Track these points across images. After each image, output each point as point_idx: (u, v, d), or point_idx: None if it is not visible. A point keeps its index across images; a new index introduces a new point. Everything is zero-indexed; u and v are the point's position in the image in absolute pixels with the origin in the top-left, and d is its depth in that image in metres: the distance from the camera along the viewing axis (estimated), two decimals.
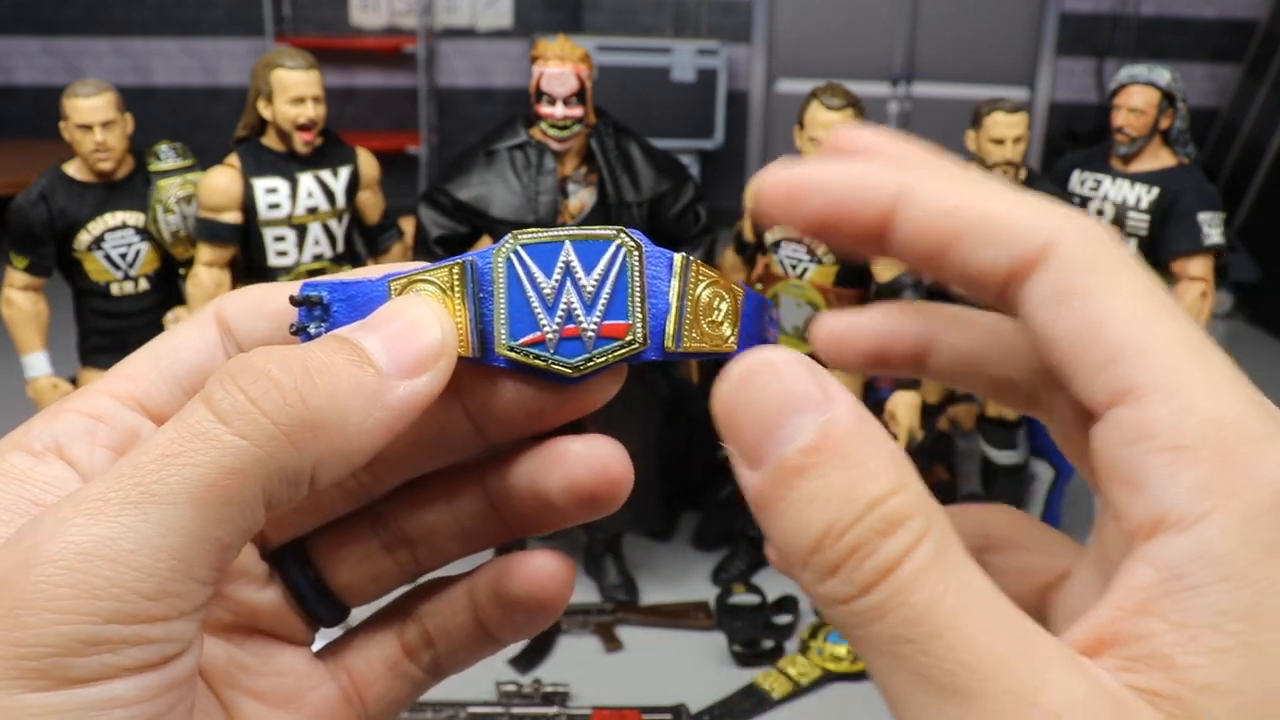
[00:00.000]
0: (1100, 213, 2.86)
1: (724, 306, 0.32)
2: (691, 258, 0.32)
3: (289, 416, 0.27)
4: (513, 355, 0.31)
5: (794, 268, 2.79)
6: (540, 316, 0.31)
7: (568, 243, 0.31)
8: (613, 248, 0.31)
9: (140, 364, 0.32)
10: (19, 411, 3.07)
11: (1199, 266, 2.75)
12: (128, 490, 0.25)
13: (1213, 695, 0.22)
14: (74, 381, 2.79)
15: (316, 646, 0.36)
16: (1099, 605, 0.24)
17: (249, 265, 2.72)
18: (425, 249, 2.72)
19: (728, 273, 3.17)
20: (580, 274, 0.31)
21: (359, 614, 0.37)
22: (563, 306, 0.31)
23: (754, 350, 0.27)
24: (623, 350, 0.31)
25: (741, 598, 2.84)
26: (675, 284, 0.31)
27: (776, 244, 2.81)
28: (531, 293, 0.31)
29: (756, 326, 0.33)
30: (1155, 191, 2.79)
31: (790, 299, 2.80)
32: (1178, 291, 2.78)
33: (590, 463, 0.32)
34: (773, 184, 0.30)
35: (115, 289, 2.73)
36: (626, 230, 0.32)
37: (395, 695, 0.35)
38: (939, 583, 0.23)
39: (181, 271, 2.78)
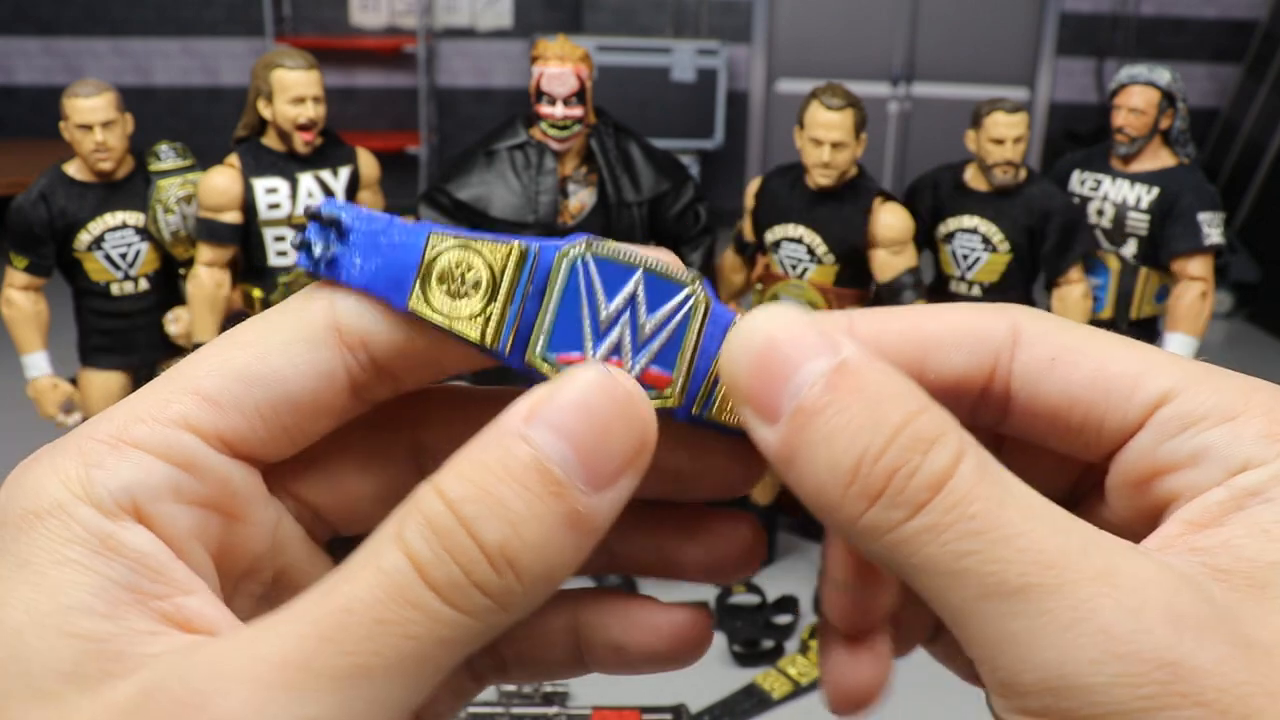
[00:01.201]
0: (1100, 213, 2.87)
1: None
2: None
3: (502, 589, 0.24)
4: (543, 368, 0.28)
5: (794, 267, 2.79)
6: (587, 339, 0.29)
7: (641, 272, 0.29)
8: (682, 295, 0.29)
9: (225, 384, 0.27)
10: (19, 412, 3.07)
11: (1199, 266, 2.75)
12: (337, 662, 0.23)
13: None
14: (74, 381, 2.79)
15: None
16: (1165, 524, 0.26)
17: (249, 265, 2.72)
18: None
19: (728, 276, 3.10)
20: (642, 311, 0.29)
21: None
22: (613, 337, 0.29)
23: (757, 310, 0.26)
24: (656, 402, 0.29)
25: (741, 598, 2.84)
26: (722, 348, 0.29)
27: (777, 244, 2.81)
28: (586, 311, 0.28)
29: None
30: (1155, 191, 2.79)
31: (790, 299, 2.80)
32: (1177, 292, 2.78)
33: (743, 534, 0.32)
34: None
35: (115, 289, 2.73)
36: (703, 281, 0.29)
37: (447, 711, 0.33)
38: (993, 490, 0.24)
39: (181, 271, 2.78)
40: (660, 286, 0.29)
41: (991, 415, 0.30)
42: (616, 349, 0.29)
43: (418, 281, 0.28)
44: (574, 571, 0.26)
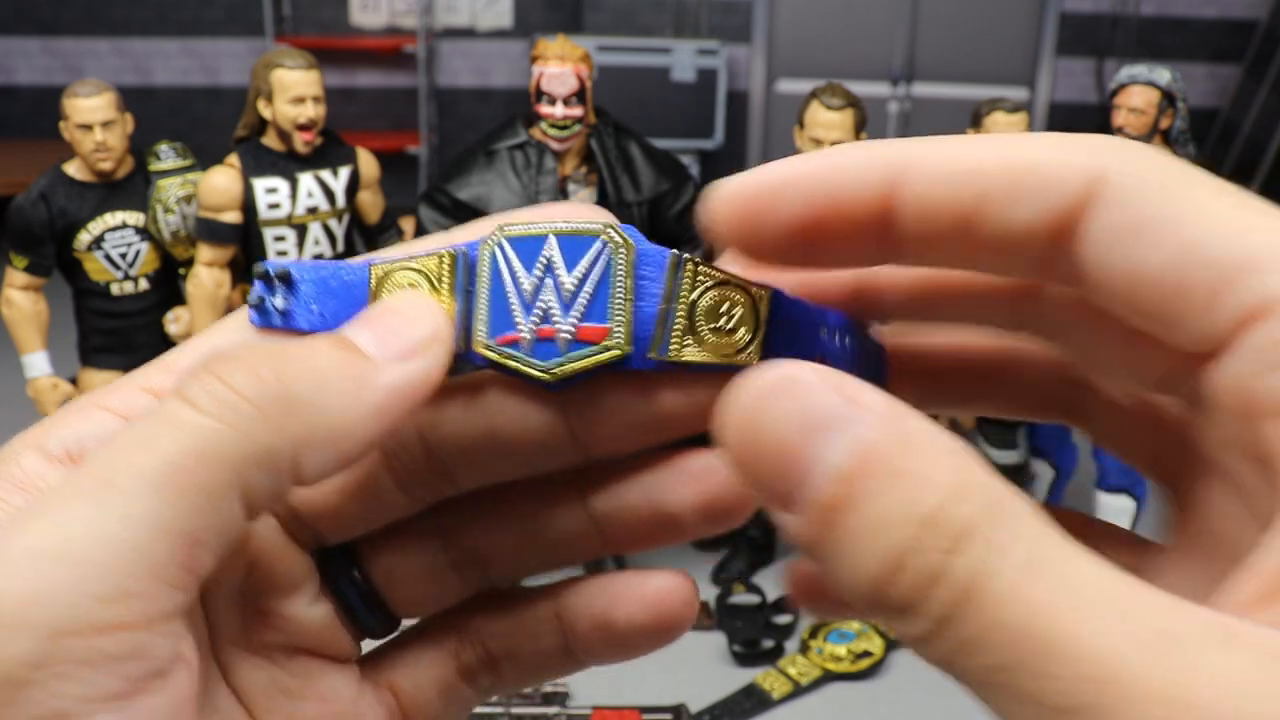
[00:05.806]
0: None
1: (738, 312, 0.28)
2: (690, 256, 0.29)
3: (261, 392, 0.24)
4: (489, 354, 0.29)
5: None
6: (517, 315, 0.29)
7: (552, 237, 0.29)
8: (597, 244, 0.29)
9: (193, 357, 0.28)
10: (19, 411, 3.07)
11: None
12: (85, 483, 0.22)
13: None
14: (74, 381, 2.79)
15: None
16: (1262, 556, 0.20)
17: (249, 265, 2.73)
18: None
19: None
20: (561, 271, 0.29)
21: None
22: (540, 305, 0.29)
23: (759, 368, 0.23)
24: (601, 355, 0.28)
25: (741, 598, 2.84)
26: (665, 285, 0.28)
27: None
28: (511, 289, 0.29)
29: (804, 338, 0.29)
30: None
31: None
32: None
33: (726, 477, 0.29)
34: (732, 194, 0.26)
35: (115, 289, 2.73)
36: (616, 226, 0.29)
37: (441, 715, 0.32)
38: (1035, 590, 0.19)
39: (181, 271, 2.78)
40: (573, 243, 0.29)
41: (1065, 278, 0.24)
42: (545, 316, 0.29)
43: None
44: (371, 433, 0.26)
